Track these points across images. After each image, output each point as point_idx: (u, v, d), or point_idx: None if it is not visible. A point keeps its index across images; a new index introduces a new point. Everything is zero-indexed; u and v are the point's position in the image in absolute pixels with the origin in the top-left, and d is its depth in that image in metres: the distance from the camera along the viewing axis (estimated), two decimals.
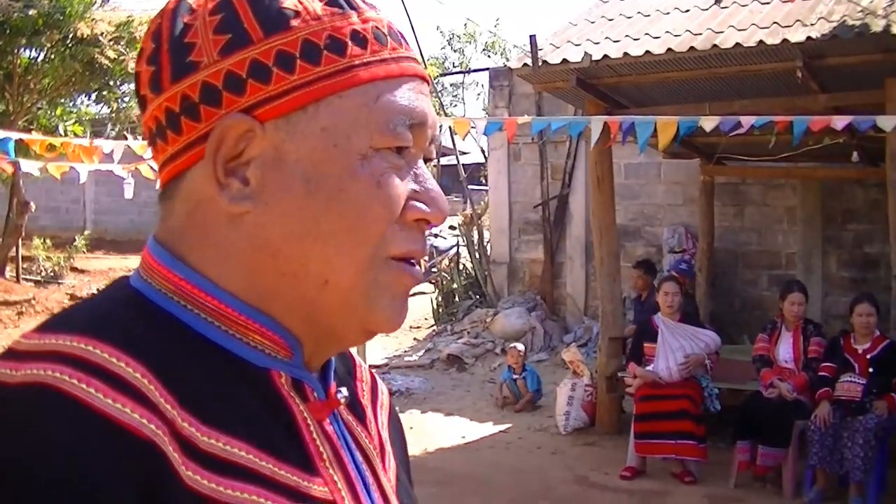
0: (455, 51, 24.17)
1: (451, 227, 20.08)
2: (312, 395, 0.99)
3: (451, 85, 36.78)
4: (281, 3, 0.93)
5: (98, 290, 1.02)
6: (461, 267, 16.33)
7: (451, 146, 15.87)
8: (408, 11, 13.97)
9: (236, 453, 0.87)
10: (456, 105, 37.72)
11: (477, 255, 15.06)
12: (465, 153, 24.95)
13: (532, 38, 9.03)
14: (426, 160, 1.02)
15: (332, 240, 0.93)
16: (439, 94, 17.87)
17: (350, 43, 0.94)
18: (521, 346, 11.16)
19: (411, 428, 10.03)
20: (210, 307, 0.94)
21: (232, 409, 0.89)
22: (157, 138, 0.97)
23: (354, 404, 1.11)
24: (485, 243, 15.19)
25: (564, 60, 8.71)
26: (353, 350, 1.16)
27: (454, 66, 24.12)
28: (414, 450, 9.14)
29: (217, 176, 0.92)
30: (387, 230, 0.95)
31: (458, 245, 17.31)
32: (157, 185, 1.02)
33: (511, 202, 14.26)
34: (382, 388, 1.21)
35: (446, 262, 17.54)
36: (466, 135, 9.75)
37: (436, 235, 19.98)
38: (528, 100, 13.63)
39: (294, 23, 0.92)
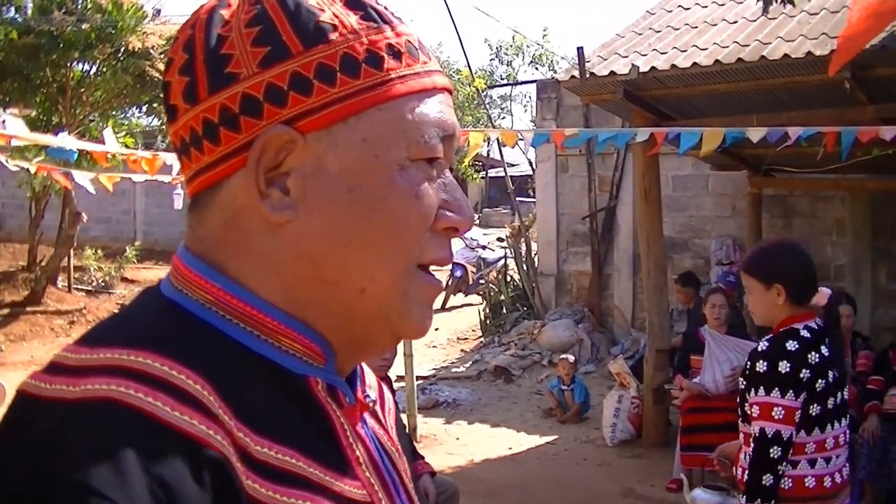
0: (503, 63, 24.23)
1: (499, 239, 20.09)
2: (345, 400, 1.02)
3: (498, 97, 36.81)
4: (318, 18, 0.95)
5: (127, 302, 1.03)
6: (509, 279, 16.33)
7: (498, 158, 15.87)
8: (455, 23, 14.02)
9: (287, 461, 0.89)
10: (504, 117, 37.73)
11: (525, 267, 15.05)
12: (513, 165, 24.97)
13: (579, 50, 9.04)
14: (449, 168, 1.05)
15: (372, 248, 0.96)
16: (486, 107, 17.85)
17: (387, 56, 0.96)
18: (571, 358, 11.13)
19: (457, 439, 10.06)
20: (249, 317, 0.95)
21: (277, 417, 0.91)
22: (191, 148, 0.97)
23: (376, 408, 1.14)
24: (532, 255, 15.18)
25: (612, 73, 8.69)
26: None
27: (501, 78, 24.14)
28: (460, 461, 9.18)
29: (259, 185, 0.94)
30: (423, 239, 0.98)
31: (505, 257, 17.31)
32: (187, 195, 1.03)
33: (559, 214, 14.23)
34: (388, 393, 1.23)
35: (494, 273, 17.54)
36: (514, 145, 9.79)
37: (484, 247, 19.96)
38: (576, 112, 13.61)
39: (333, 36, 0.94)
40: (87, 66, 15.62)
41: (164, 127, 17.76)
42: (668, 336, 9.81)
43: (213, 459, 0.80)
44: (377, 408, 1.15)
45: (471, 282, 18.00)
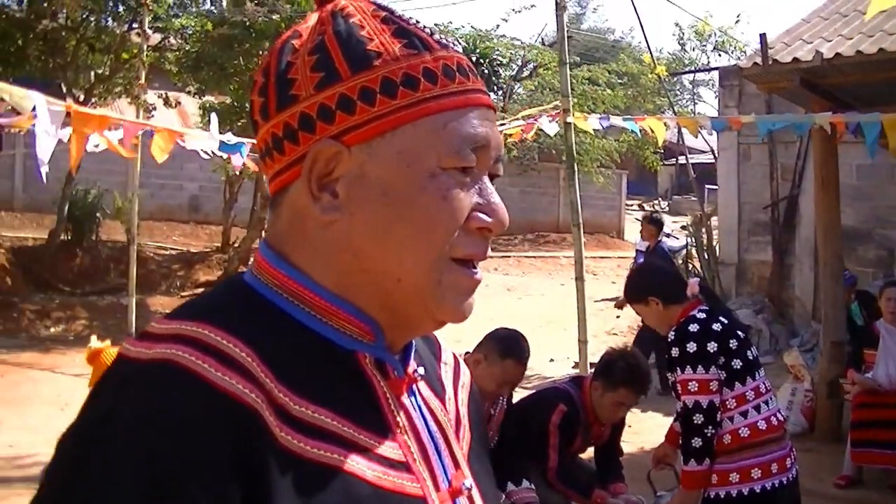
0: (688, 50, 23.98)
1: (683, 227, 19.86)
2: (393, 373, 1.17)
3: (689, 83, 36.25)
4: (366, 46, 1.11)
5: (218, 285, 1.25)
6: (690, 267, 16.15)
7: (691, 145, 15.69)
8: (636, 8, 13.94)
9: (323, 420, 1.05)
10: (697, 103, 37.15)
11: (705, 256, 14.87)
12: (702, 152, 24.60)
13: (762, 36, 8.90)
14: (493, 177, 1.18)
15: (404, 243, 1.10)
16: (668, 94, 17.74)
17: (422, 79, 1.11)
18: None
19: (629, 426, 10.05)
20: (306, 298, 1.13)
21: (321, 384, 1.08)
22: (267, 156, 1.16)
23: (434, 381, 1.29)
24: (714, 244, 14.98)
25: (795, 59, 8.53)
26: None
27: (686, 65, 23.81)
28: (631, 448, 9.17)
29: (311, 190, 1.11)
30: (452, 236, 1.11)
31: (687, 245, 17.12)
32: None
33: (740, 203, 14.03)
34: (464, 370, 1.39)
35: (678, 261, 17.38)
36: (697, 134, 9.69)
37: (668, 235, 19.76)
38: (758, 99, 13.35)
39: (376, 63, 1.10)
40: None
41: None
42: (845, 328, 9.58)
43: (245, 412, 0.97)
44: (448, 382, 1.33)
45: None
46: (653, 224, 11.65)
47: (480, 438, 1.35)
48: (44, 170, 5.80)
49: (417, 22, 1.17)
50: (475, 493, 1.22)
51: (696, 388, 4.24)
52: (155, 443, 0.92)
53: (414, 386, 1.21)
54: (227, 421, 0.96)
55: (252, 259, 1.20)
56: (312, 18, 1.17)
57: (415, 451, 1.15)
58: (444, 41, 1.17)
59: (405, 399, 1.18)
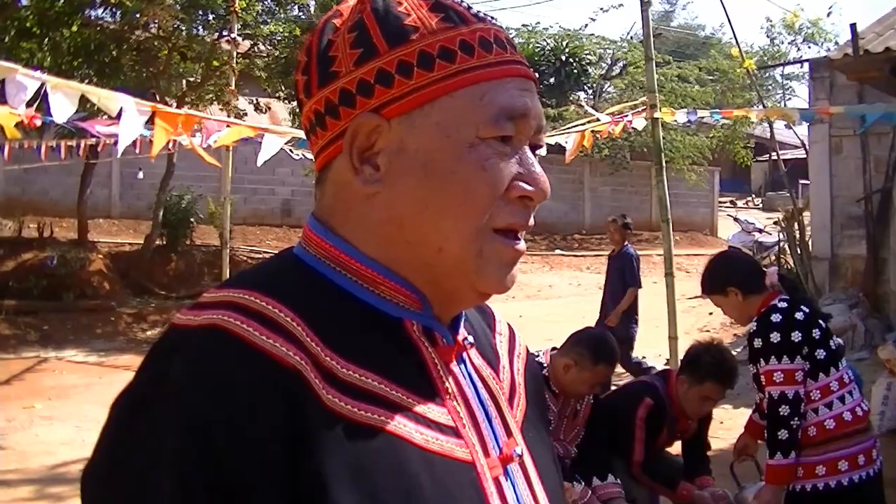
0: (775, 43, 23.61)
1: (775, 223, 19.60)
2: (441, 341, 1.18)
3: (780, 76, 35.60)
4: (403, 21, 1.12)
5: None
6: (783, 262, 15.93)
7: (786, 141, 15.46)
8: (724, 3, 13.80)
9: (370, 383, 1.07)
10: (790, 98, 36.47)
11: (798, 251, 14.65)
12: (795, 147, 24.22)
13: (853, 26, 8.79)
14: (535, 147, 1.19)
15: (444, 213, 1.11)
16: (757, 88, 17.54)
17: (459, 51, 1.12)
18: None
19: (721, 423, 9.98)
20: (353, 268, 1.15)
21: (368, 349, 1.10)
22: (311, 133, 1.19)
23: (487, 351, 1.30)
24: (806, 239, 14.75)
25: (887, 49, 8.40)
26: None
27: (775, 59, 23.41)
28: (721, 444, 9.06)
29: (353, 163, 1.13)
30: (492, 205, 1.12)
31: (779, 241, 16.91)
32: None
33: (832, 196, 13.76)
34: (520, 341, 1.40)
35: (771, 258, 17.16)
36: (791, 125, 9.57)
37: (760, 231, 19.55)
38: (850, 91, 13.08)
39: (413, 36, 1.12)
40: None
41: None
42: None
43: (289, 373, 1.00)
44: (504, 352, 1.34)
45: None
46: (622, 227, 11.04)
47: (537, 409, 1.35)
48: (122, 144, 6.07)
49: None
50: (527, 461, 1.22)
51: (781, 379, 4.18)
52: (202, 402, 0.96)
53: (464, 354, 1.23)
54: (270, 381, 0.99)
55: (302, 232, 1.23)
56: None
57: (464, 416, 1.16)
58: (481, 14, 1.18)
59: (454, 366, 1.20)
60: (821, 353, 4.26)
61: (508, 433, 1.22)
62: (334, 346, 1.06)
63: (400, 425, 1.07)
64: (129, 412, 1.02)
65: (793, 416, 4.16)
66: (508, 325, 1.42)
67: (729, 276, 4.55)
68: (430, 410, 1.12)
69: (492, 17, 1.19)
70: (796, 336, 4.21)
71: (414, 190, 1.12)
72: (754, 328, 4.31)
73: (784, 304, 4.34)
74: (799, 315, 4.28)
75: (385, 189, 1.13)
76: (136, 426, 0.99)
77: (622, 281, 10.81)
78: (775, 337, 4.21)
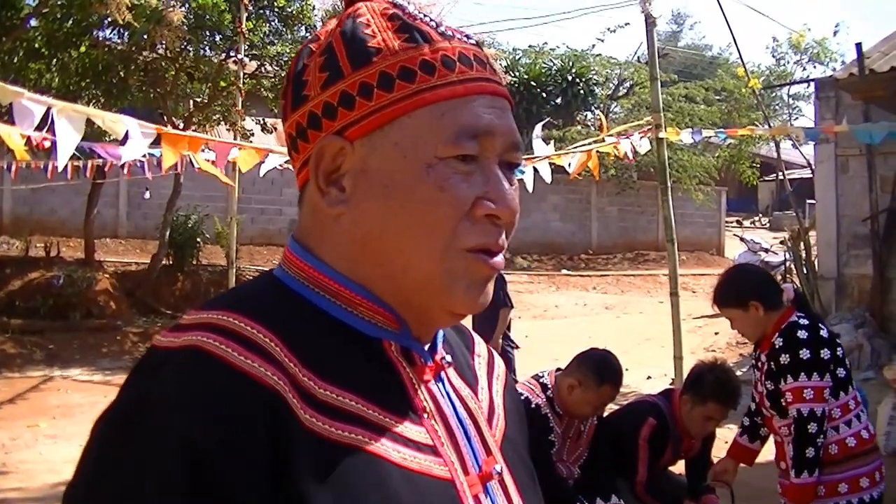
0: (780, 63, 23.66)
1: (781, 242, 19.59)
2: (419, 361, 1.19)
3: (787, 96, 35.62)
4: (367, 43, 1.14)
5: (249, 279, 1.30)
6: (789, 281, 15.91)
7: (792, 160, 15.45)
8: (728, 21, 13.82)
9: (347, 402, 1.07)
10: (797, 118, 36.46)
11: (805, 271, 14.63)
12: (801, 167, 24.22)
13: (858, 46, 8.82)
14: (513, 165, 1.18)
15: (406, 234, 1.12)
16: (763, 108, 17.50)
17: (419, 71, 1.12)
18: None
19: (725, 442, 9.94)
20: (331, 289, 1.16)
21: (346, 369, 1.11)
22: (290, 155, 1.22)
23: (466, 372, 1.31)
24: (812, 258, 14.73)
25: (892, 68, 8.42)
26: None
27: (782, 78, 23.46)
28: None
29: (319, 185, 1.16)
30: (456, 226, 1.11)
31: (786, 260, 16.89)
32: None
33: (839, 216, 13.75)
34: (499, 363, 1.42)
35: (778, 277, 17.14)
36: (796, 143, 9.56)
37: (766, 250, 19.52)
38: (856, 110, 13.09)
39: (375, 58, 1.13)
40: None
41: None
42: None
43: (267, 394, 1.01)
44: (482, 374, 1.35)
45: None
46: None
47: (517, 428, 1.35)
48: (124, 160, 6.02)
49: (425, 16, 1.18)
50: (507, 478, 1.22)
51: (811, 396, 4.12)
52: (184, 422, 0.96)
53: (442, 373, 1.23)
54: (250, 401, 1.00)
55: (283, 254, 1.24)
56: (332, 23, 1.20)
57: (442, 435, 1.16)
58: (448, 33, 1.17)
59: (433, 386, 1.20)
60: (841, 372, 4.24)
61: (488, 451, 1.22)
62: (312, 366, 1.07)
63: (378, 444, 1.08)
64: (112, 431, 1.02)
65: (819, 433, 4.12)
66: (487, 346, 1.43)
67: (752, 290, 4.44)
68: (408, 429, 1.13)
69: (467, 36, 1.19)
70: (825, 353, 4.17)
71: (376, 211, 1.13)
72: (780, 344, 4.22)
73: (806, 321, 4.27)
74: (823, 332, 4.26)
75: (350, 210, 1.15)
76: (118, 445, 1.00)
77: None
78: (805, 353, 4.15)
